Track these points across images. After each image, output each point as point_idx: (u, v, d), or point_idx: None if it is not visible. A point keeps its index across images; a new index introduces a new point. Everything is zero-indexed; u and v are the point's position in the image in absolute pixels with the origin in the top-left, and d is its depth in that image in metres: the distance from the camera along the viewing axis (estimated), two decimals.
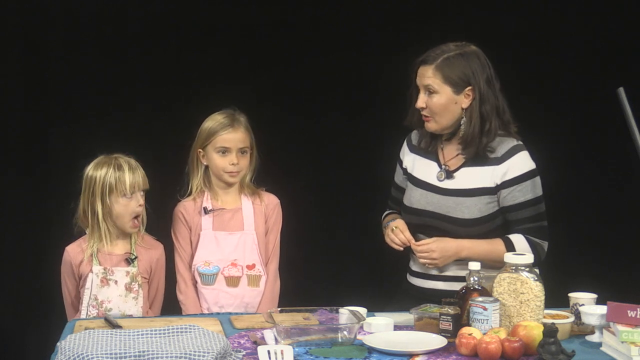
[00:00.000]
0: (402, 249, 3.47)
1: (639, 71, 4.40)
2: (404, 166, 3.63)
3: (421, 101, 3.41)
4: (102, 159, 3.53)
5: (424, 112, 3.43)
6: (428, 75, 3.39)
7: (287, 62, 4.60)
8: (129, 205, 3.49)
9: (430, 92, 3.39)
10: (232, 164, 3.59)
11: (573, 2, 4.62)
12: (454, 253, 3.38)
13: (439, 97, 3.39)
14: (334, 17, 4.63)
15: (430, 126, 3.45)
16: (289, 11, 4.60)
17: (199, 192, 3.65)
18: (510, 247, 3.37)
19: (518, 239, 3.39)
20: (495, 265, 3.24)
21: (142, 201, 3.50)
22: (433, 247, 3.38)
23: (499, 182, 3.39)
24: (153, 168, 3.78)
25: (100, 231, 3.50)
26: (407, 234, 3.44)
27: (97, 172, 3.50)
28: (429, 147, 3.53)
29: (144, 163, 3.67)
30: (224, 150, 3.59)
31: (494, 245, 3.38)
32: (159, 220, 3.70)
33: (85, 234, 3.55)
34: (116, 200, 3.48)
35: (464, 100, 3.40)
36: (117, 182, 3.47)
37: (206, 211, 3.62)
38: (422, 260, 3.40)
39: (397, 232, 3.45)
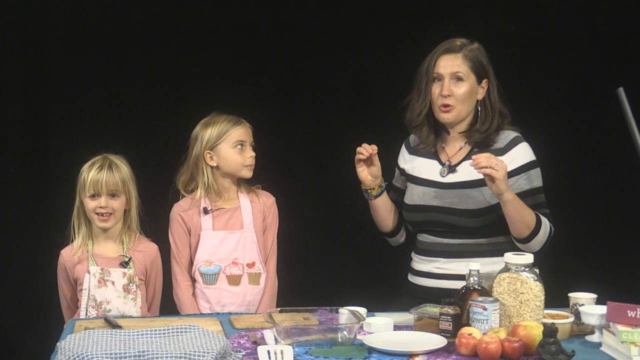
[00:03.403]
0: (365, 157, 3.46)
1: (639, 71, 4.40)
2: (401, 167, 3.65)
3: (446, 89, 3.43)
4: (96, 157, 3.57)
5: (447, 101, 3.44)
6: (457, 63, 3.43)
7: (287, 62, 4.60)
8: (92, 203, 3.51)
9: (458, 79, 3.43)
10: (251, 157, 3.62)
11: (573, 2, 4.62)
12: (507, 179, 3.27)
13: (465, 84, 3.43)
14: (334, 17, 4.63)
15: (449, 116, 3.46)
16: (289, 11, 4.60)
17: (195, 193, 3.65)
18: (538, 219, 3.37)
19: (542, 216, 3.41)
20: (521, 229, 3.32)
21: (103, 203, 3.50)
22: (485, 154, 3.29)
23: None
24: (152, 168, 3.79)
25: (84, 229, 3.55)
26: (373, 145, 3.46)
27: (82, 168, 3.55)
28: (430, 148, 3.54)
29: (143, 163, 3.68)
30: (242, 145, 3.60)
31: (528, 209, 3.37)
32: (157, 220, 3.70)
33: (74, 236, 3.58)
34: (84, 198, 3.52)
35: (480, 92, 3.45)
36: (84, 181, 3.52)
37: (206, 211, 3.62)
38: (485, 171, 3.22)
39: (363, 145, 3.47)
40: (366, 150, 3.47)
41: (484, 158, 3.25)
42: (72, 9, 4.47)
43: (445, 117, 3.47)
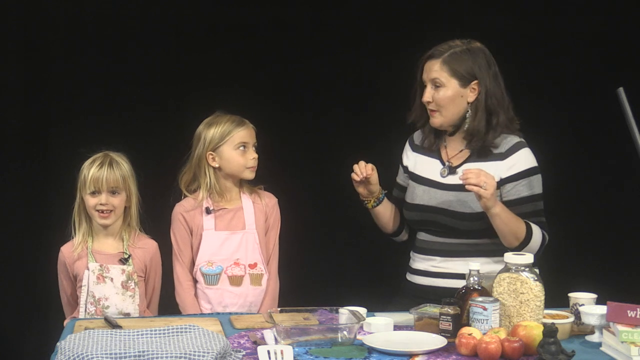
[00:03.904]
0: (358, 178, 3.48)
1: (639, 71, 4.40)
2: (404, 164, 3.65)
3: (427, 95, 3.44)
4: (96, 154, 3.58)
5: (430, 107, 3.46)
6: (435, 69, 3.43)
7: (287, 62, 4.60)
8: (92, 200, 3.52)
9: (437, 85, 3.43)
10: (253, 159, 3.61)
11: (573, 2, 4.62)
12: (495, 194, 3.29)
13: (446, 90, 3.42)
14: (334, 17, 4.63)
15: (435, 121, 3.47)
16: (289, 11, 4.60)
17: (197, 193, 3.65)
18: (528, 230, 3.37)
19: (534, 225, 3.40)
20: (510, 240, 3.32)
21: (104, 200, 3.51)
22: (475, 170, 3.28)
23: (503, 177, 3.39)
24: (152, 168, 3.79)
25: (84, 226, 3.56)
26: (369, 165, 3.47)
27: (82, 165, 3.57)
28: (432, 146, 3.55)
29: (143, 163, 3.68)
30: (244, 146, 3.60)
31: (518, 220, 3.37)
32: (157, 219, 3.70)
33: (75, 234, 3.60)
34: (84, 195, 3.54)
35: (470, 95, 3.44)
36: (85, 178, 3.54)
37: (208, 211, 3.62)
38: (472, 188, 3.24)
39: (360, 163, 3.47)
40: (361, 172, 3.47)
41: (473, 175, 3.25)
42: (72, 9, 4.47)
43: (432, 121, 3.49)
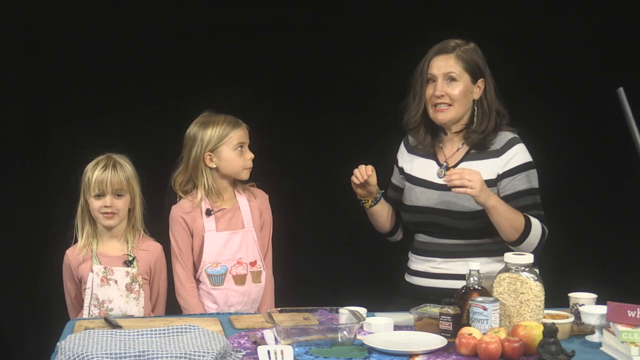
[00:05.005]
0: (358, 182, 3.48)
1: (639, 71, 4.40)
2: (400, 166, 3.65)
3: (440, 89, 3.43)
4: (99, 157, 3.58)
5: (441, 101, 3.44)
6: (450, 64, 3.43)
7: (287, 63, 4.60)
8: (97, 203, 3.52)
9: (451, 79, 3.43)
10: (250, 159, 3.62)
11: (573, 2, 4.62)
12: (486, 188, 3.29)
13: (459, 85, 3.43)
14: (334, 17, 4.63)
15: (444, 117, 3.46)
16: (289, 11, 4.60)
17: (194, 194, 3.65)
18: (527, 222, 3.37)
19: (533, 218, 3.40)
20: (510, 233, 3.31)
21: (108, 202, 3.51)
22: (458, 170, 3.29)
23: (500, 172, 3.40)
24: (152, 168, 3.79)
25: (87, 228, 3.56)
26: (369, 167, 3.47)
27: (86, 168, 3.56)
28: (429, 148, 3.55)
29: (143, 163, 3.68)
30: (242, 146, 3.60)
31: (516, 212, 3.37)
32: (158, 219, 3.69)
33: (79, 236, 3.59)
34: (89, 198, 3.53)
35: (476, 92, 3.45)
36: (89, 180, 3.53)
37: (209, 213, 3.61)
38: (459, 190, 3.26)
39: (360, 167, 3.47)
40: (361, 175, 3.47)
41: (457, 176, 3.25)
42: (72, 9, 4.47)
43: (439, 117, 3.47)
